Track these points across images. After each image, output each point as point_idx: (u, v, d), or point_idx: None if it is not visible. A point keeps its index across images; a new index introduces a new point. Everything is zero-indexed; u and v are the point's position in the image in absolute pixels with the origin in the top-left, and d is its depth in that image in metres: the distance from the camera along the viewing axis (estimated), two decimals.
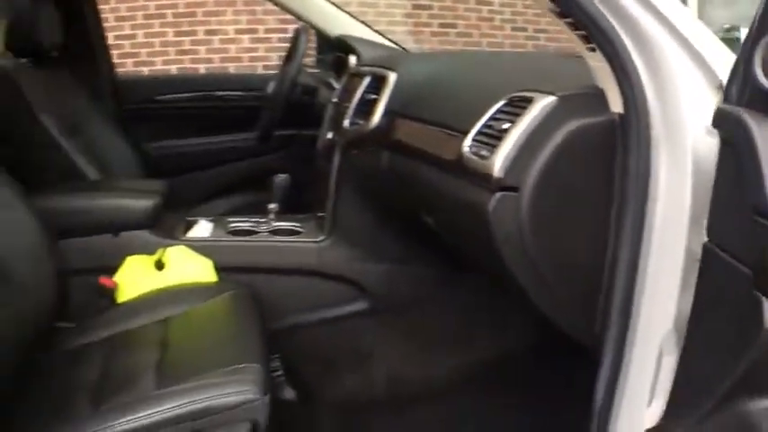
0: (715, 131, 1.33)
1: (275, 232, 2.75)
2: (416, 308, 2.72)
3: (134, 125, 3.66)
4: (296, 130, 3.65)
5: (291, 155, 3.60)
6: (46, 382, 1.99)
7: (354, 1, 6.24)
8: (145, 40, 6.85)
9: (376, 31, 3.59)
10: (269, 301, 2.41)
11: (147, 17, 6.86)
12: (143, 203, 2.68)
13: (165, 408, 1.73)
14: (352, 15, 3.62)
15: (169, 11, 6.92)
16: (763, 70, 1.19)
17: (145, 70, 6.61)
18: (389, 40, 3.58)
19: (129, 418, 1.73)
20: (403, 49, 3.61)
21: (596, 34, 1.45)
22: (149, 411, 1.73)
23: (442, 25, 7.39)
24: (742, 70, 1.25)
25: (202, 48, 7.03)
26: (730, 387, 1.27)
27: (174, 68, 6.81)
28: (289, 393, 2.35)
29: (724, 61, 1.40)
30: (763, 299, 1.13)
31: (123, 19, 6.54)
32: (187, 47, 6.98)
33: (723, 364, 1.29)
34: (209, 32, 7.02)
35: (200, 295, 2.35)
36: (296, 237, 2.73)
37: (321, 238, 2.70)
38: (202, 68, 6.88)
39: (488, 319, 2.61)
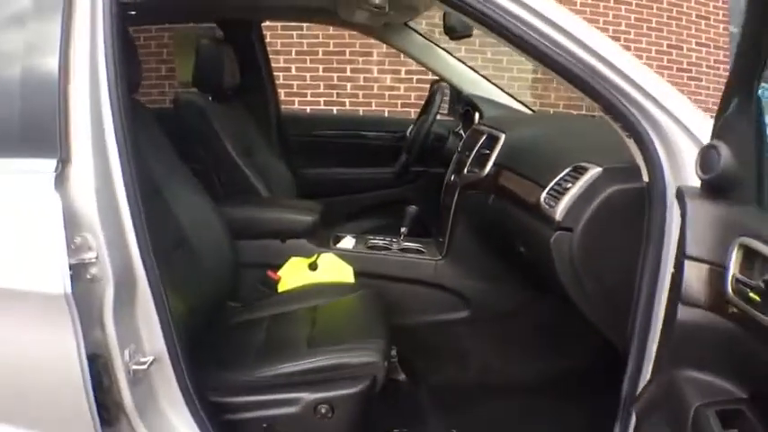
0: None
1: (404, 250, 3.40)
2: (508, 319, 3.28)
3: (293, 154, 4.35)
4: (426, 167, 4.28)
5: (420, 188, 4.24)
6: (221, 344, 2.58)
7: (490, 66, 6.53)
8: (297, 73, 7.24)
9: (502, 91, 4.23)
10: (392, 303, 2.91)
11: (299, 53, 7.23)
12: (306, 218, 3.36)
13: (313, 359, 2.36)
14: (483, 76, 4.26)
15: (320, 48, 7.28)
16: (701, 165, 1.68)
17: (296, 101, 7.09)
18: (512, 97, 4.22)
19: (286, 364, 2.35)
20: (524, 105, 4.22)
21: (631, 130, 1.90)
22: (302, 361, 2.36)
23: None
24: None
25: (348, 84, 7.40)
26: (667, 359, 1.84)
27: (321, 101, 7.24)
28: (401, 376, 2.99)
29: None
30: (679, 303, 1.75)
31: (278, 53, 6.83)
32: (335, 82, 7.36)
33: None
34: (354, 70, 7.36)
35: (342, 292, 2.97)
36: (419, 255, 3.37)
37: (439, 257, 3.35)
38: (348, 102, 7.29)
39: (564, 334, 2.99)
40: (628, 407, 2.00)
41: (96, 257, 1.79)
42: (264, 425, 2.28)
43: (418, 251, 3.40)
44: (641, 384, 1.96)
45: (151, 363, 1.97)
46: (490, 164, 3.04)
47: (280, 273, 3.11)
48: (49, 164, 1.73)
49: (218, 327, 2.66)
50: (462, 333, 3.29)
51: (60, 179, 1.74)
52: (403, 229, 3.48)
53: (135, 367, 1.91)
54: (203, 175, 3.05)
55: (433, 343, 3.22)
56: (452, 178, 3.42)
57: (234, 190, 3.50)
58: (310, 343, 2.47)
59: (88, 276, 1.80)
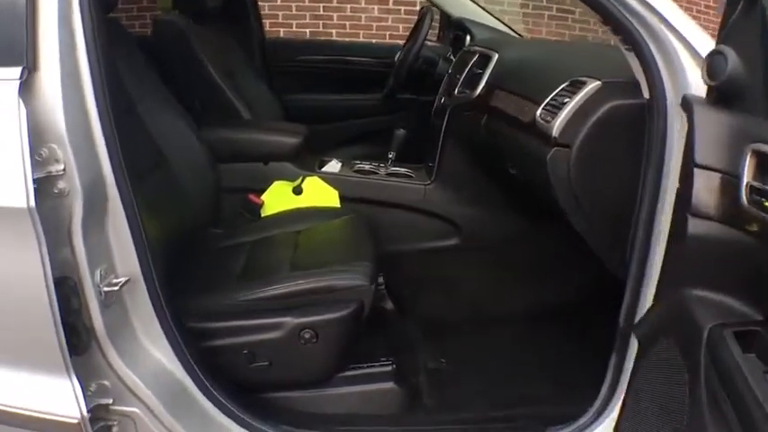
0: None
1: (391, 175, 3.28)
2: (499, 247, 3.16)
3: (277, 80, 4.19)
4: (415, 95, 4.12)
5: (409, 115, 4.06)
6: (200, 269, 2.49)
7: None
8: (283, 3, 7.05)
9: (492, 16, 4.07)
10: (379, 230, 2.82)
11: None
12: (290, 140, 3.24)
13: (297, 282, 2.26)
14: (473, 1, 4.09)
15: None
16: (707, 71, 1.62)
17: (281, 31, 6.88)
18: (503, 23, 4.07)
19: (268, 287, 2.25)
20: (515, 32, 4.07)
21: (631, 42, 1.84)
22: (285, 284, 2.26)
23: (559, 10, 7.57)
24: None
25: (335, 14, 7.20)
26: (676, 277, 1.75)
27: (307, 32, 7.05)
28: (388, 305, 2.91)
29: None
30: (688, 215, 1.66)
31: None
32: (321, 12, 7.15)
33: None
34: (341, 0, 7.17)
35: (327, 216, 2.87)
36: (408, 179, 3.24)
37: (428, 182, 3.23)
38: (334, 33, 7.10)
39: (558, 265, 2.94)
40: (625, 334, 1.93)
41: (64, 170, 1.70)
42: (245, 351, 2.20)
43: (406, 176, 3.28)
44: (641, 311, 1.89)
45: (124, 284, 1.89)
46: (482, 84, 2.92)
47: (262, 197, 3.02)
48: (15, 72, 1.64)
49: (198, 252, 2.57)
50: (452, 262, 3.19)
51: (26, 87, 1.66)
52: (391, 154, 3.37)
53: (106, 289, 1.83)
54: (184, 97, 2.92)
55: (422, 272, 3.12)
56: (442, 100, 3.30)
57: (215, 113, 3.38)
58: (294, 266, 2.37)
59: (55, 191, 1.71)
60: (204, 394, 2.01)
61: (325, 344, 2.22)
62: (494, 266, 3.14)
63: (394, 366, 2.39)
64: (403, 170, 3.32)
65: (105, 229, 1.84)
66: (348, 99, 4.26)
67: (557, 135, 2.14)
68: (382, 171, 3.28)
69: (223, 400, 2.03)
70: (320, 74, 4.36)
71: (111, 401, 1.89)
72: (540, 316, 2.91)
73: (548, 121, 2.19)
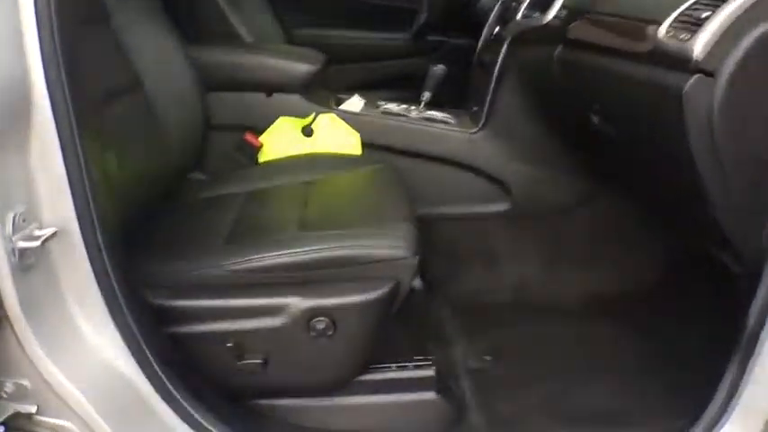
0: None
1: (427, 119, 2.64)
2: (555, 219, 2.59)
3: (285, 11, 3.57)
4: (447, 37, 3.55)
5: (442, 60, 3.36)
6: (175, 225, 1.97)
7: None
8: None
9: None
10: (409, 188, 2.28)
11: None
12: (301, 67, 2.62)
13: (308, 248, 1.68)
14: None
15: None
16: None
17: None
18: None
19: (267, 253, 1.68)
20: None
21: None
22: (290, 250, 1.68)
23: None
24: None
25: None
26: None
27: None
28: (417, 283, 2.24)
29: None
30: None
31: None
32: None
33: None
34: None
35: (346, 164, 2.30)
36: (448, 126, 2.61)
37: (474, 129, 2.58)
38: None
39: (626, 245, 2.49)
40: (753, 335, 1.51)
41: None
42: (230, 343, 1.65)
43: (446, 122, 2.63)
44: None
45: (50, 237, 1.36)
46: (557, 6, 2.30)
47: (262, 137, 2.50)
48: None
49: (175, 203, 2.08)
50: (495, 232, 2.60)
51: None
52: (425, 95, 2.71)
53: (23, 244, 1.32)
54: (175, 13, 2.46)
55: (459, 242, 2.58)
56: (495, 31, 2.70)
57: (212, 35, 2.84)
58: (303, 227, 1.80)
59: None
60: (168, 403, 1.52)
61: (344, 338, 1.67)
62: (548, 242, 2.59)
63: (435, 369, 1.84)
64: (440, 115, 2.66)
65: (26, 155, 1.36)
66: (369, 37, 3.62)
67: (700, 58, 1.52)
68: (414, 114, 2.64)
69: (195, 413, 1.54)
70: (337, 6, 3.66)
71: (34, 410, 1.42)
72: (601, 306, 2.43)
73: (682, 40, 1.58)
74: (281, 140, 2.49)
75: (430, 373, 1.82)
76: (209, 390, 1.63)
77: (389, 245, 1.68)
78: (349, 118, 2.56)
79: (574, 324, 2.38)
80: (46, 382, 1.39)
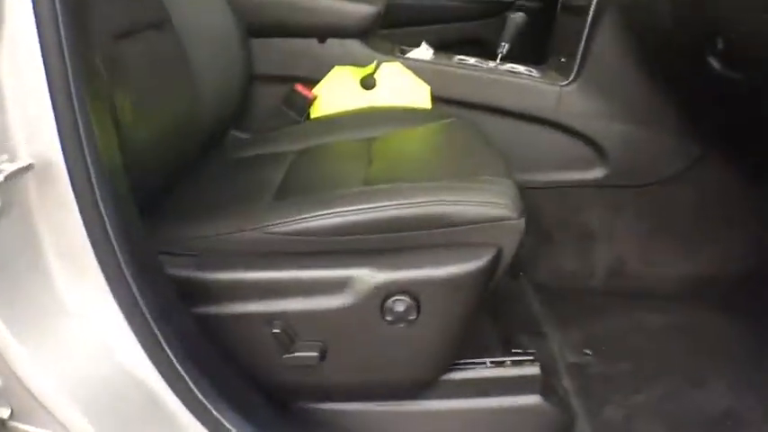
0: None
1: (508, 72, 2.24)
2: (655, 189, 2.20)
3: None
4: None
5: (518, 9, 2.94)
6: (211, 182, 1.63)
7: None
8: None
9: None
10: None
11: None
12: (360, 8, 2.20)
13: (383, 204, 1.28)
14: None
15: None
16: None
17: None
18: None
19: (328, 210, 1.29)
20: None
21: None
22: (361, 206, 1.28)
23: None
24: None
25: None
26: None
27: None
28: None
29: None
30: None
31: None
32: None
33: None
34: None
35: (415, 119, 1.90)
36: (533, 78, 2.20)
37: (564, 82, 2.16)
38: None
39: (730, 223, 2.16)
40: None
41: None
42: (275, 329, 1.26)
43: (529, 74, 2.22)
44: None
45: (19, 171, 0.98)
46: None
47: (316, 89, 2.11)
48: None
49: (206, 162, 1.72)
50: (590, 205, 2.21)
51: None
52: (503, 46, 2.32)
53: None
54: None
55: (546, 216, 2.19)
56: None
57: None
58: (369, 181, 1.40)
59: None
60: (190, 409, 1.11)
61: (430, 323, 1.26)
62: (646, 216, 2.21)
63: (539, 365, 1.45)
64: (522, 68, 2.26)
65: None
66: None
67: None
68: (491, 65, 2.24)
69: (227, 422, 1.12)
70: None
71: (7, 414, 1.05)
72: (705, 292, 2.12)
73: None
74: (336, 93, 2.11)
75: (534, 370, 1.43)
76: (246, 391, 1.26)
77: (491, 201, 1.29)
78: (417, 67, 2.16)
79: (676, 312, 2.07)
80: (19, 378, 1.01)
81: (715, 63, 1.64)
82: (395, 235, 1.27)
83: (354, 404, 1.42)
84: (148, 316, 1.07)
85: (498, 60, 2.29)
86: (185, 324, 1.14)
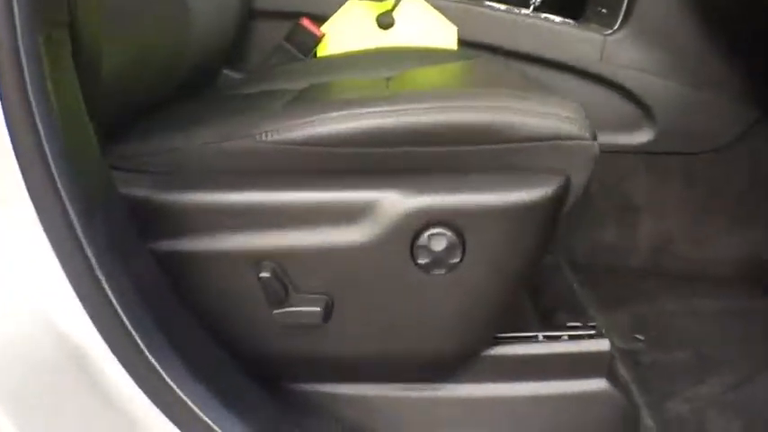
0: None
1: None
2: (709, 158, 1.96)
3: None
4: None
5: None
6: (196, 109, 1.33)
7: None
8: None
9: None
10: None
11: None
12: None
13: (413, 107, 0.98)
14: None
15: None
16: None
17: None
18: None
19: (338, 112, 1.00)
20: None
21: None
22: (382, 109, 0.99)
23: None
24: None
25: None
26: None
27: None
28: None
29: None
30: None
31: None
32: None
33: None
34: None
35: (439, 58, 1.63)
36: (572, 26, 1.95)
37: (608, 31, 1.90)
38: None
39: None
40: None
41: None
42: (264, 273, 0.96)
43: (566, 23, 1.97)
44: None
45: None
46: None
47: (324, 27, 1.84)
48: None
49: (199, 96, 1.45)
50: (636, 172, 1.96)
51: None
52: None
53: None
54: None
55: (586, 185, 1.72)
56: None
57: None
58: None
59: None
60: (144, 388, 0.81)
61: (478, 270, 0.95)
62: (696, 189, 1.97)
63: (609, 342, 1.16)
64: (557, 19, 1.99)
65: None
66: None
67: None
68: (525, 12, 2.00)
69: (193, 404, 0.81)
70: None
71: None
72: (761, 275, 1.92)
73: None
74: (349, 31, 1.84)
75: (602, 346, 1.14)
76: (222, 365, 0.95)
77: (557, 114, 0.99)
78: (442, 6, 1.89)
79: (730, 297, 1.88)
80: None
81: None
82: (434, 150, 0.96)
83: (368, 386, 1.11)
84: (89, 252, 0.75)
85: (530, 10, 2.03)
86: (141, 267, 0.83)
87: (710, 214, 1.99)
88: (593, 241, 1.95)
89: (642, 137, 1.94)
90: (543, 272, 1.73)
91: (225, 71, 1.81)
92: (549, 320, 1.32)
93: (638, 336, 1.64)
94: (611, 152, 1.91)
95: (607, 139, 1.92)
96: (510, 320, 1.16)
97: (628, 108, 1.93)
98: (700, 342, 1.66)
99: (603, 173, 1.91)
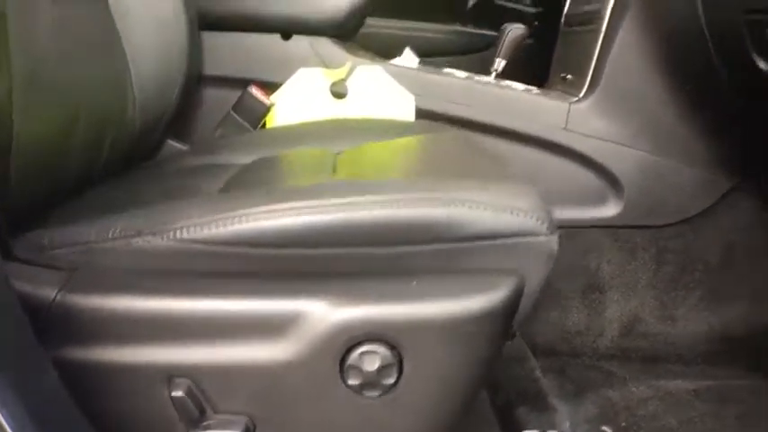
0: None
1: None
2: (679, 230, 1.88)
3: None
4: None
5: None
6: (134, 187, 1.26)
7: None
8: None
9: None
10: None
11: None
12: (334, 1, 1.84)
13: (350, 201, 0.88)
14: None
15: None
16: None
17: None
18: None
19: (265, 207, 0.87)
20: None
21: None
22: (318, 202, 0.88)
23: None
24: None
25: None
26: None
27: None
28: None
29: None
30: None
31: None
32: None
33: None
34: None
35: (394, 131, 1.54)
36: (537, 94, 1.88)
37: (574, 99, 1.82)
38: None
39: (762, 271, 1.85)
40: None
41: None
42: (178, 390, 0.84)
43: (529, 90, 1.90)
44: None
45: None
46: None
47: (274, 95, 1.74)
48: None
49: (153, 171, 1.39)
50: (602, 248, 1.86)
51: None
52: (498, 62, 2.05)
53: None
54: None
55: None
56: None
57: None
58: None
59: None
60: None
61: (416, 391, 0.84)
62: (669, 262, 1.88)
63: None
64: (521, 86, 1.93)
65: None
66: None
67: None
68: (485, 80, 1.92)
69: None
70: None
71: None
72: (734, 353, 1.84)
73: None
74: (300, 101, 1.73)
75: None
76: None
77: (510, 206, 0.87)
78: (401, 74, 1.80)
79: (704, 377, 1.77)
80: None
81: (761, 63, 1.34)
82: (372, 251, 0.85)
83: None
84: None
85: (492, 77, 2.00)
86: (39, 380, 0.71)
87: (681, 290, 1.90)
88: (556, 324, 1.85)
89: (609, 210, 1.85)
90: (502, 361, 1.64)
91: (169, 141, 1.71)
92: (509, 419, 1.22)
93: (604, 428, 1.53)
94: (575, 227, 1.85)
95: (572, 213, 1.85)
96: (462, 424, 1.05)
97: (594, 180, 1.84)
98: (672, 429, 1.57)
99: (568, 249, 1.84)
